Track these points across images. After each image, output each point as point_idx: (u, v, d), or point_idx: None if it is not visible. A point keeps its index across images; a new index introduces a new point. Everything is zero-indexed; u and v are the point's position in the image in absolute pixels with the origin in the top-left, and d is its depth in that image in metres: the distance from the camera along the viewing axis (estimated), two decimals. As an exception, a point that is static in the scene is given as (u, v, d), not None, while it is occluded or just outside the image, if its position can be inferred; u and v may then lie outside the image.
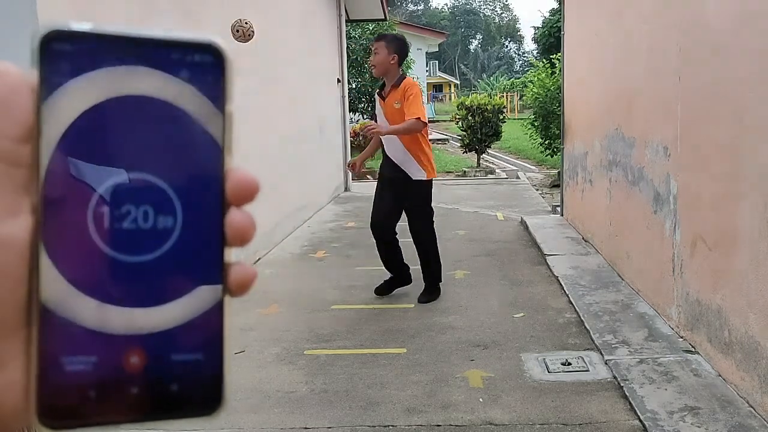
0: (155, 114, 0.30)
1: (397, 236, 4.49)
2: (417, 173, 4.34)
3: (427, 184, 4.42)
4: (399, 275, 4.61)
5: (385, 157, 4.46)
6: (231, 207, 0.31)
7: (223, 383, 0.31)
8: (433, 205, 4.59)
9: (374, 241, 4.55)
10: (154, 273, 0.30)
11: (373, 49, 4.37)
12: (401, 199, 4.44)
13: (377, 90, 4.51)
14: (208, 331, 0.31)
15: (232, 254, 0.32)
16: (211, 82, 0.31)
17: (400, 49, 4.34)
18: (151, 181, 0.30)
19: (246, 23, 4.66)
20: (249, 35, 4.70)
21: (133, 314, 0.30)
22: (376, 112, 4.53)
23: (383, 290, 4.63)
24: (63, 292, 0.29)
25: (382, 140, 4.43)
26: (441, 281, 4.64)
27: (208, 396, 0.31)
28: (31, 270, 0.28)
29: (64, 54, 0.29)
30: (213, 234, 0.31)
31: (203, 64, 0.31)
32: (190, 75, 0.30)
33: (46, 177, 0.28)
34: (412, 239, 4.54)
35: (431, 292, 4.56)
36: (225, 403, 0.31)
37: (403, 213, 4.55)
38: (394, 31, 16.65)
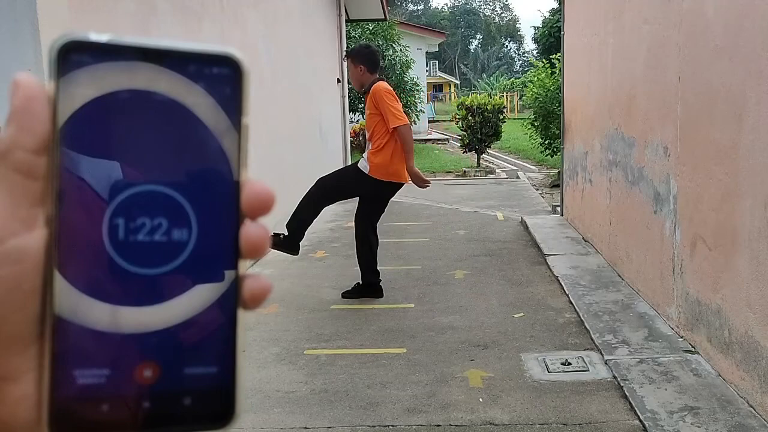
0: (173, 125, 0.30)
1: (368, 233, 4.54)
2: (362, 166, 4.45)
3: (368, 180, 4.41)
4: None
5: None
6: (246, 219, 0.31)
7: (236, 397, 0.31)
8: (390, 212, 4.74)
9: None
10: (167, 285, 0.30)
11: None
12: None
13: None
14: (220, 344, 0.31)
15: (246, 267, 0.31)
16: (228, 93, 0.31)
17: (363, 57, 4.46)
18: (167, 193, 0.30)
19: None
20: None
21: (144, 326, 0.29)
22: None
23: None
24: (76, 303, 0.29)
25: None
26: (372, 285, 4.59)
27: (220, 409, 0.30)
28: (45, 283, 0.28)
29: (81, 64, 0.28)
30: (227, 247, 0.31)
31: (221, 76, 0.30)
32: (208, 86, 0.30)
33: (62, 189, 0.28)
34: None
35: (352, 290, 4.60)
36: (237, 417, 0.31)
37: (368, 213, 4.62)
38: (393, 31, 16.70)
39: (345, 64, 4.64)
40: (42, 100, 0.28)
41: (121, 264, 0.29)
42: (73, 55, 0.28)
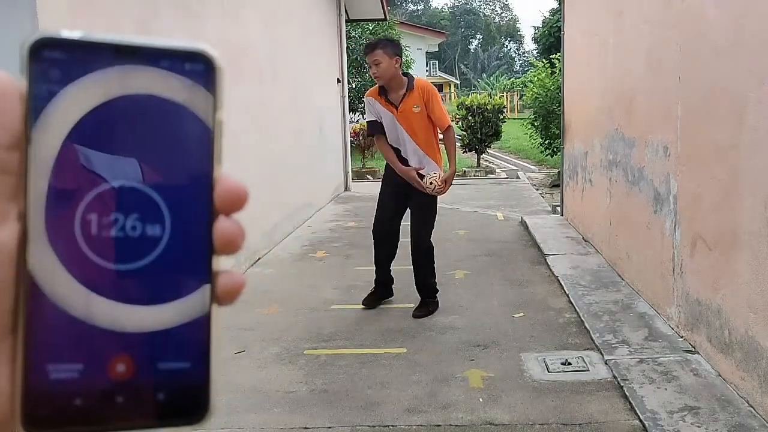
0: (145, 122, 0.30)
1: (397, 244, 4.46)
2: (437, 176, 4.27)
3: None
4: (385, 285, 4.52)
5: (403, 162, 4.25)
6: (220, 215, 0.31)
7: (210, 392, 0.31)
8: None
9: (373, 242, 4.56)
10: (141, 281, 0.30)
11: (371, 61, 4.13)
12: (407, 201, 4.36)
13: (383, 98, 4.21)
14: (195, 339, 0.31)
15: (220, 262, 0.31)
16: (201, 90, 0.31)
17: (398, 49, 4.22)
18: (141, 189, 0.30)
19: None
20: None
21: (118, 320, 0.30)
22: (383, 122, 4.22)
23: (371, 303, 4.44)
24: (52, 276, 0.29)
25: (402, 144, 4.23)
26: (438, 291, 4.43)
27: (194, 405, 0.31)
28: (17, 277, 0.28)
29: (53, 61, 0.28)
30: (201, 242, 0.31)
31: (194, 72, 0.30)
32: (181, 83, 0.30)
33: (35, 183, 0.28)
34: (411, 244, 4.40)
35: (427, 304, 4.30)
36: (211, 413, 0.31)
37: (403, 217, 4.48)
38: (393, 31, 16.69)
39: (372, 58, 4.15)
40: (14, 96, 0.28)
41: (94, 259, 0.29)
42: (46, 52, 0.28)
